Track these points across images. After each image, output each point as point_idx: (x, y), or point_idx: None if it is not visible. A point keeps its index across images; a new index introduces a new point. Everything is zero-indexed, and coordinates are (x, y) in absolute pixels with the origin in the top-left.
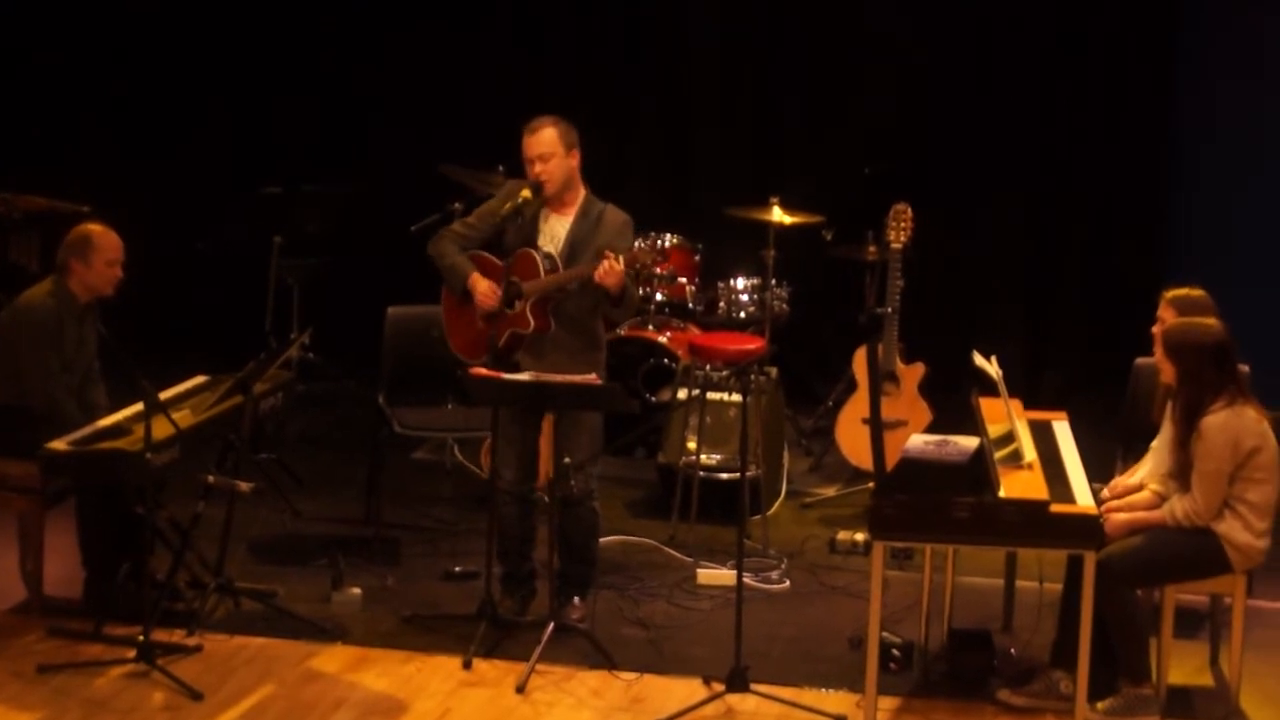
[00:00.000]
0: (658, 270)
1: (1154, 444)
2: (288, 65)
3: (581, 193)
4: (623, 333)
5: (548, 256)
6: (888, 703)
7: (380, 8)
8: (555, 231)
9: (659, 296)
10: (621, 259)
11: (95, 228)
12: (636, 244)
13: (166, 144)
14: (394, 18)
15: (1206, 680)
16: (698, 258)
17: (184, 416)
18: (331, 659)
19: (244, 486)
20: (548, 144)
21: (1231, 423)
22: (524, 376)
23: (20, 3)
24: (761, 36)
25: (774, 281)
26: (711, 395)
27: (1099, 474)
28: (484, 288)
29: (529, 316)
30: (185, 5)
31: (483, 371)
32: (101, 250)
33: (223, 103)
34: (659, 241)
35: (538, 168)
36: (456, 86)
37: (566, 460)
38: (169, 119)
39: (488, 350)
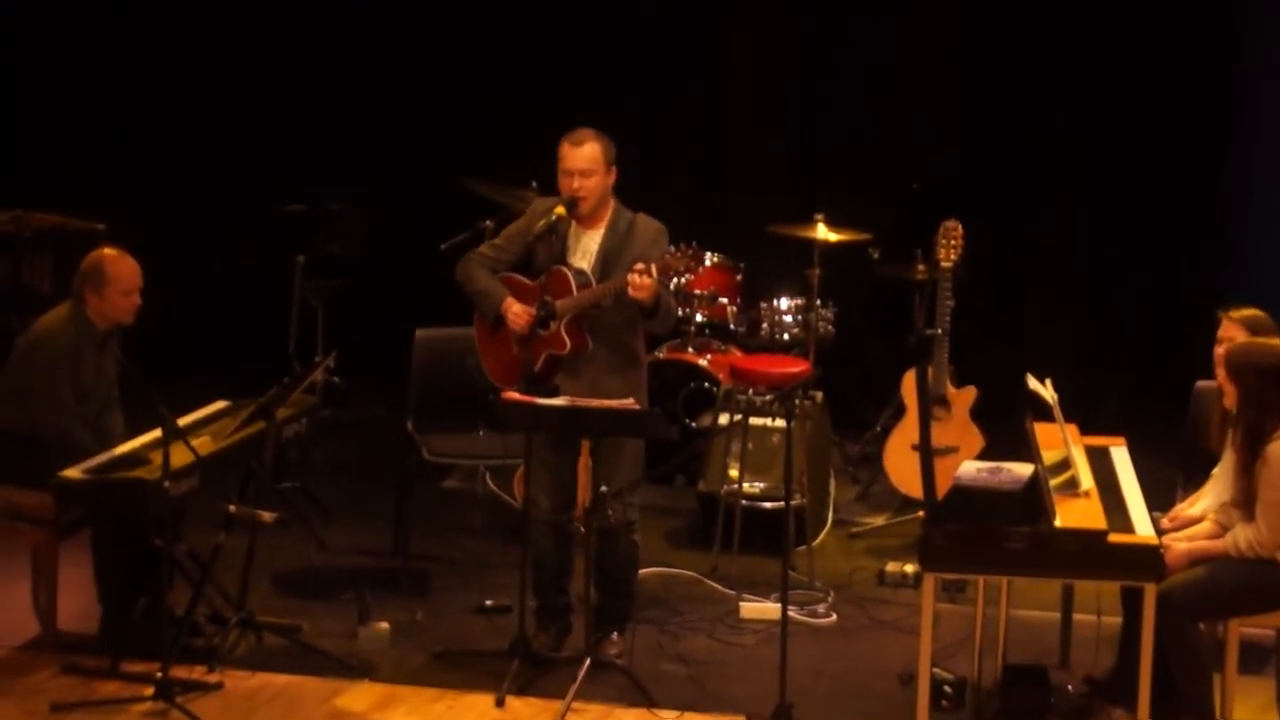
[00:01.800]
0: (691, 278)
1: (1216, 471)
2: (311, 80)
3: (611, 206)
4: (662, 355)
5: (580, 273)
6: None
7: (407, 22)
8: (586, 247)
9: (699, 318)
10: (653, 268)
11: (110, 254)
12: (668, 252)
13: (185, 161)
14: (420, 30)
15: (1272, 718)
16: (739, 277)
17: (204, 443)
18: (358, 697)
19: (267, 517)
20: (590, 160)
21: None
22: (558, 401)
23: (29, 11)
24: (802, 47)
25: (819, 302)
26: (754, 420)
27: (1159, 502)
28: (516, 310)
29: (564, 336)
30: (205, 20)
31: (515, 396)
32: (116, 280)
33: (244, 119)
34: (692, 249)
35: (576, 183)
36: (485, 99)
37: (603, 489)
38: (188, 135)
39: (522, 374)
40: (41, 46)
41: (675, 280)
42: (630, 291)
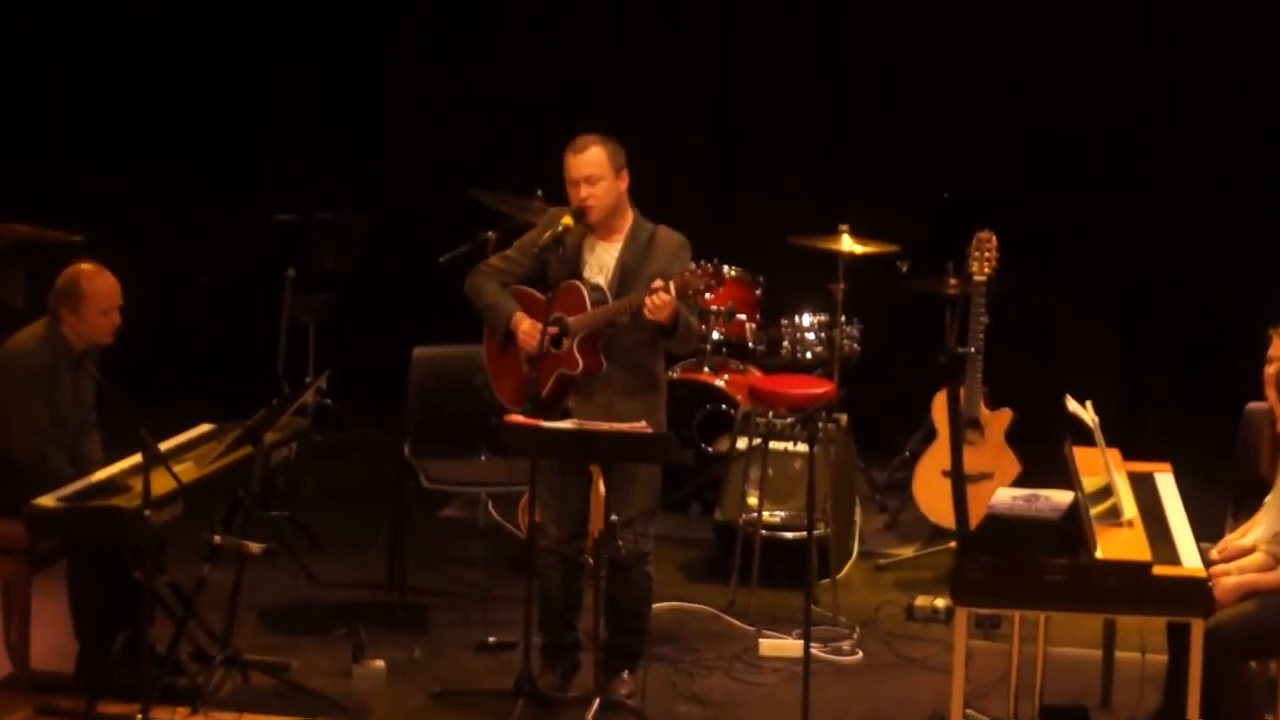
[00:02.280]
0: (709, 295)
1: (1268, 500)
2: (303, 83)
3: (630, 217)
4: (676, 375)
5: (595, 288)
6: None
7: (405, 23)
8: (603, 260)
9: (716, 335)
10: (671, 286)
11: (86, 270)
12: (688, 269)
13: (169, 167)
14: (420, 33)
15: None
16: (758, 292)
17: (187, 469)
18: None
19: (254, 548)
20: (595, 165)
21: None
22: (566, 425)
23: (28, 11)
24: (824, 43)
25: (843, 318)
26: (774, 445)
27: (1207, 533)
28: (526, 326)
29: (576, 355)
30: (193, 16)
31: (518, 419)
32: (93, 299)
33: (231, 123)
34: (712, 265)
35: (583, 191)
36: (488, 104)
37: (614, 517)
38: (172, 140)
39: (526, 394)
40: (41, 47)
41: (697, 297)
42: (646, 311)
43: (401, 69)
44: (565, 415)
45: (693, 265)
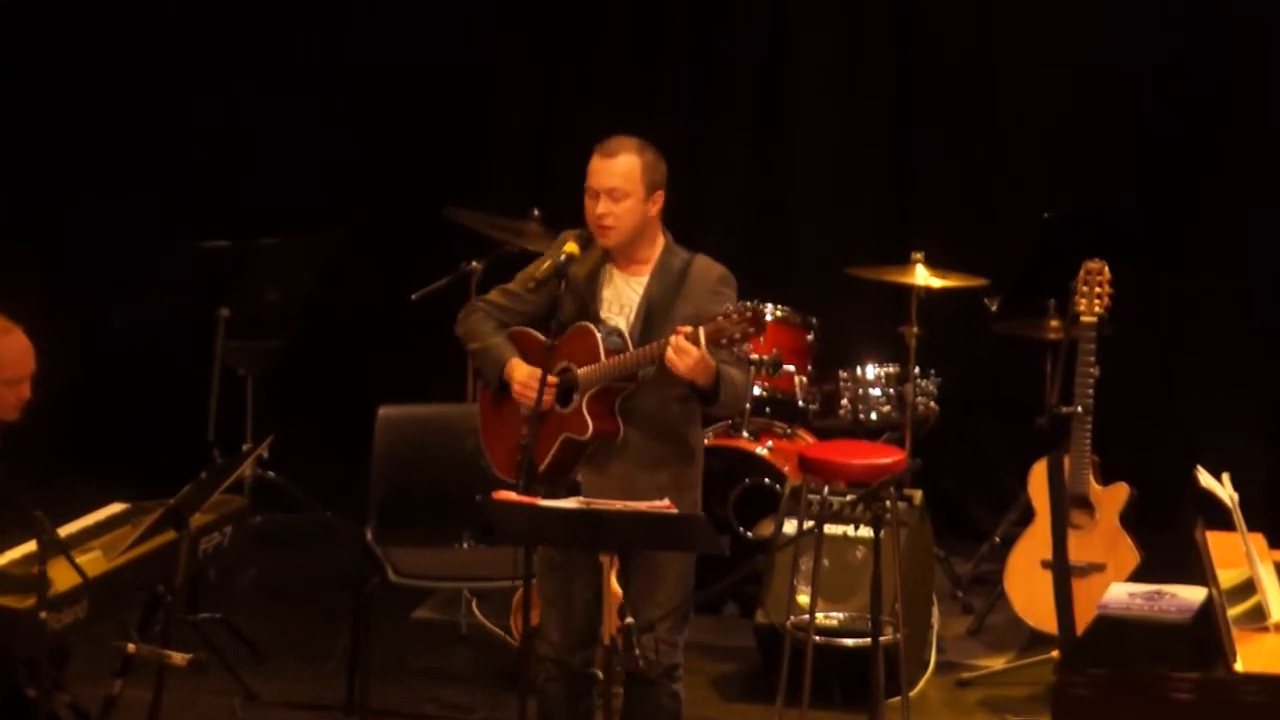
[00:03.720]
0: (749, 346)
1: None
2: (239, 66)
3: (660, 244)
4: (707, 441)
5: (612, 332)
6: None
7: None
8: (624, 296)
9: (757, 391)
10: (701, 333)
11: None
12: (722, 315)
13: (67, 178)
14: (395, 7)
15: None
16: (810, 337)
17: (94, 560)
18: None
19: (178, 659)
20: (624, 176)
21: None
22: (569, 503)
23: None
24: (893, 26)
25: (917, 370)
26: (831, 529)
27: None
28: (521, 376)
29: (586, 416)
30: None
31: (510, 496)
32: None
33: (149, 121)
34: (751, 307)
35: (601, 206)
36: (476, 102)
37: (630, 620)
38: (72, 143)
39: (518, 465)
40: None
41: (733, 347)
42: (668, 362)
43: (360, 47)
44: (575, 491)
45: (730, 307)
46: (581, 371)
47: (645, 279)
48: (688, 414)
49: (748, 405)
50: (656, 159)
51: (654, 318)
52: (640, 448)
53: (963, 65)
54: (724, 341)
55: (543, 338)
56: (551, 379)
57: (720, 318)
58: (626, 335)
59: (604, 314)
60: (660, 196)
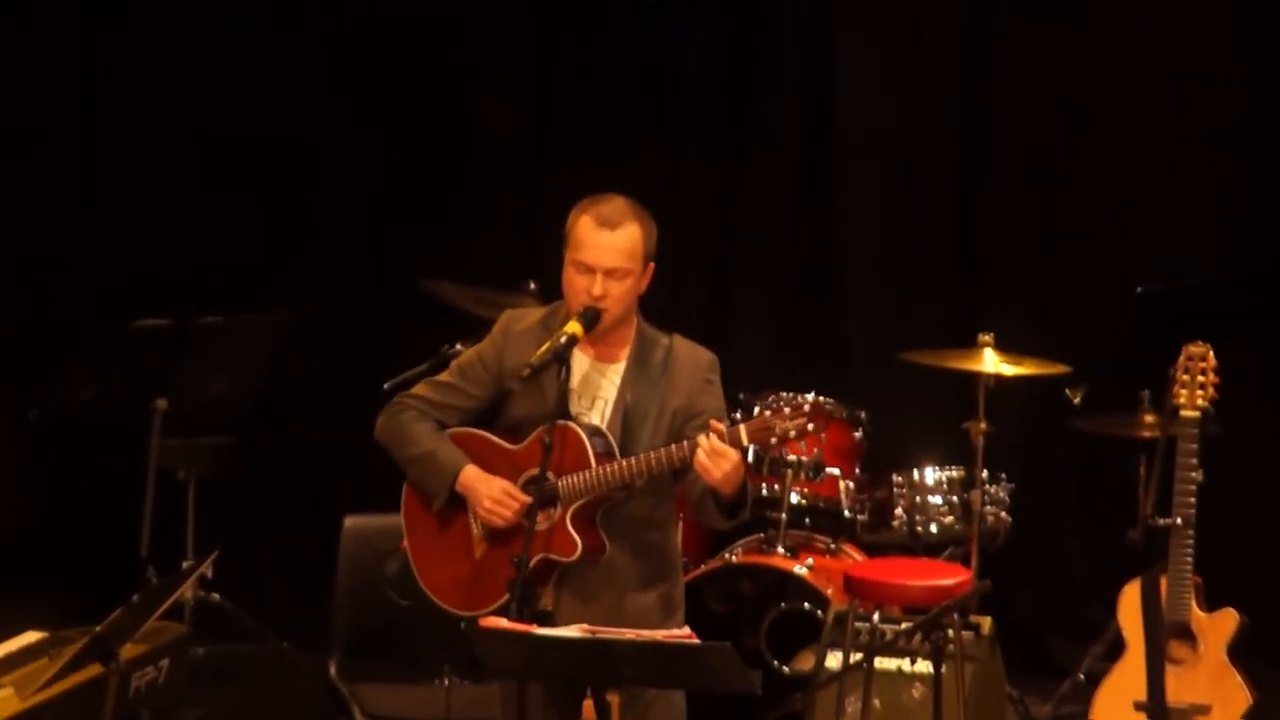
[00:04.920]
0: (802, 445)
1: None
2: (183, 117)
3: (634, 324)
4: (735, 559)
5: (596, 433)
6: None
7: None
8: (596, 388)
9: (794, 498)
10: (742, 432)
11: None
12: (768, 408)
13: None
14: (368, 47)
15: None
16: (859, 434)
17: (5, 700)
18: None
19: None
20: (628, 254)
21: None
22: (572, 631)
23: None
24: (960, 61)
25: (985, 474)
26: (883, 663)
27: None
28: (495, 492)
29: (571, 533)
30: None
31: (500, 624)
32: None
33: (82, 180)
34: (809, 401)
35: (599, 288)
36: (458, 156)
37: None
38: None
39: (507, 588)
40: None
41: (782, 447)
42: (700, 467)
43: (323, 102)
44: (547, 623)
45: (774, 400)
46: (566, 480)
47: (620, 367)
48: (669, 520)
49: (783, 514)
50: (651, 223)
51: (634, 417)
52: (626, 566)
53: (1036, 123)
54: (773, 440)
55: (497, 441)
56: (520, 495)
57: (768, 413)
58: (611, 438)
59: (574, 409)
60: (652, 269)
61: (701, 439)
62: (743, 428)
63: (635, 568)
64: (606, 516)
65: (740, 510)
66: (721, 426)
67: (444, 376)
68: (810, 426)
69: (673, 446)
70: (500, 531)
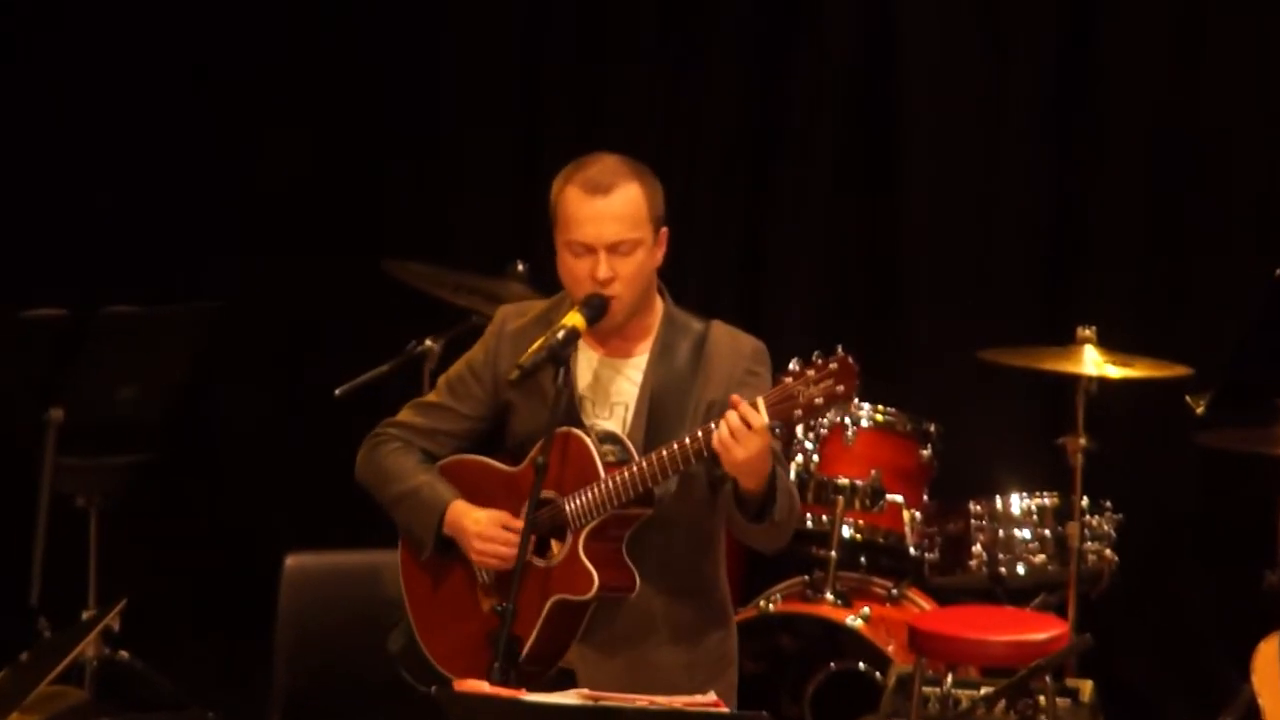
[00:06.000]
0: (828, 412)
1: None
2: (103, 78)
3: (659, 310)
4: (773, 607)
5: (608, 438)
6: None
7: None
8: (613, 390)
9: (846, 531)
10: (762, 404)
11: None
12: (788, 375)
13: None
14: None
15: None
16: (927, 452)
17: None
18: None
19: None
20: (630, 220)
21: None
22: (567, 697)
23: None
24: (1059, 37)
25: (1086, 502)
26: None
27: None
28: (485, 527)
29: (586, 564)
30: None
31: (478, 686)
32: None
33: None
34: (836, 359)
35: (604, 270)
36: (428, 104)
37: None
38: None
39: (488, 642)
40: None
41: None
42: (720, 445)
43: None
44: (568, 681)
45: (797, 367)
46: (573, 502)
47: (641, 361)
48: (714, 552)
49: (831, 553)
50: (653, 179)
51: (661, 418)
52: (662, 608)
53: (1150, 79)
54: (795, 413)
55: (496, 465)
56: (516, 524)
57: (788, 379)
58: (628, 442)
59: (585, 416)
60: (665, 235)
61: (725, 416)
62: (761, 399)
63: (671, 611)
64: (637, 548)
65: (769, 511)
66: (739, 401)
67: (431, 397)
68: (840, 389)
69: (691, 433)
70: (505, 575)
